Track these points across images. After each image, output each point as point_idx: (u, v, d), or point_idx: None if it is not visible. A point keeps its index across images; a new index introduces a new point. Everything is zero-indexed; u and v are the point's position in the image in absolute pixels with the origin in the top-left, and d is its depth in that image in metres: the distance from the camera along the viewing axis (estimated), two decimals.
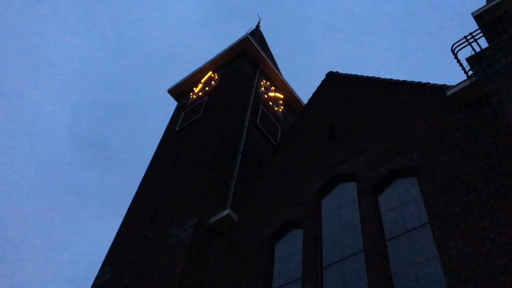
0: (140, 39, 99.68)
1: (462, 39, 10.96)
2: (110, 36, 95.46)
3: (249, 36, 22.72)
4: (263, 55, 22.94)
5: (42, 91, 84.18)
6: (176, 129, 19.64)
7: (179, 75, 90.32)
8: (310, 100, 15.53)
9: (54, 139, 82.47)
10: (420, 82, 12.21)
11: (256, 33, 30.01)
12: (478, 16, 12.32)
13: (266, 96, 21.78)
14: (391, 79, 13.24)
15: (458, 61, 11.03)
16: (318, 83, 15.91)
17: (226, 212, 13.10)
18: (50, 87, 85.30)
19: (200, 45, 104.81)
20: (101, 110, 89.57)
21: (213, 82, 21.91)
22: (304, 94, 67.22)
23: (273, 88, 23.14)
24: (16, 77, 79.18)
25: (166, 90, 23.82)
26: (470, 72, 10.59)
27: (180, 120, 20.22)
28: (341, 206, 11.13)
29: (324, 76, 15.89)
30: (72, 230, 74.14)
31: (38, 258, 67.59)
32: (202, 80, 23.12)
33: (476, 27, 13.87)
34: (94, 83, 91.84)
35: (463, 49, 12.72)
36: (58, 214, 74.52)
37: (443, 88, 11.39)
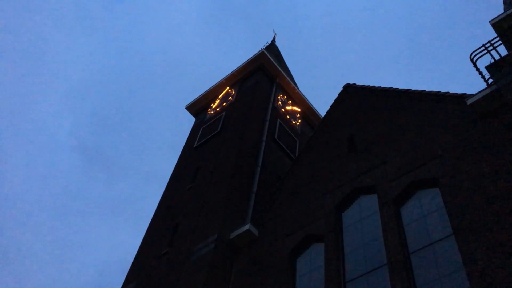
0: (144, 49, 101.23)
1: (481, 47, 10.86)
2: (113, 45, 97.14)
3: (265, 51, 22.85)
4: (280, 69, 23.02)
5: (44, 100, 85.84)
6: (195, 145, 19.75)
7: (183, 84, 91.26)
8: (328, 112, 15.47)
9: (56, 149, 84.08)
10: (439, 92, 12.08)
11: (272, 48, 30.18)
12: (496, 24, 12.17)
13: (283, 110, 21.81)
14: (410, 89, 13.12)
15: (478, 69, 10.91)
16: (336, 95, 15.83)
17: (247, 227, 13.07)
18: (52, 97, 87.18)
19: (204, 53, 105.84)
20: (102, 119, 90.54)
21: (230, 98, 22.04)
22: (322, 106, 67.13)
23: (290, 101, 23.16)
24: (17, 87, 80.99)
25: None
26: (490, 80, 10.46)
27: (198, 136, 20.35)
28: (362, 219, 11.00)
29: (341, 88, 15.86)
30: (78, 239, 75.03)
31: (45, 267, 68.48)
32: (220, 96, 23.29)
33: (495, 35, 13.71)
34: (95, 93, 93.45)
35: (482, 57, 12.55)
36: (63, 223, 75.66)
37: (463, 97, 11.26)
